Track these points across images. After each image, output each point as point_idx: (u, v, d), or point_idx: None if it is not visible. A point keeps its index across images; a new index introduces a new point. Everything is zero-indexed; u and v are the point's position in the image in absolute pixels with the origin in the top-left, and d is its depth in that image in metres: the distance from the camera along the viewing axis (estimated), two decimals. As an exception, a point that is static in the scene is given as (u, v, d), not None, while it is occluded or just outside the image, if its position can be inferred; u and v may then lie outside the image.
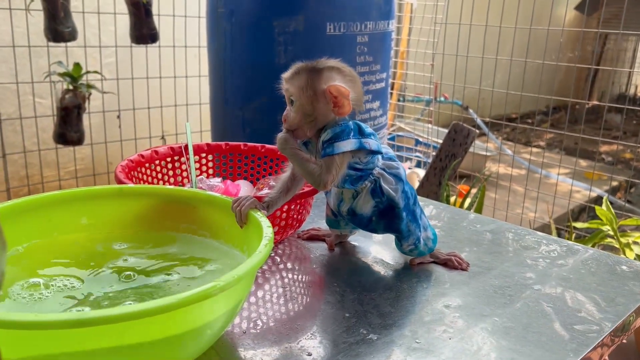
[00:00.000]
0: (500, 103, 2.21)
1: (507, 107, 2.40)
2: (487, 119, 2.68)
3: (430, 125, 3.39)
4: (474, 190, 2.26)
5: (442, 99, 3.91)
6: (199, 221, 0.65)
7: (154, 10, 1.96)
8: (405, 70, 2.86)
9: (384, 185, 0.67)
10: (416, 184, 2.32)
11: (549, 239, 0.83)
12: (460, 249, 0.78)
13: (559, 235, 2.25)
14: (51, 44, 1.76)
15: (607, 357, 0.63)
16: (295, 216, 0.77)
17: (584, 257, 0.77)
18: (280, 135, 0.66)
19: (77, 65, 1.81)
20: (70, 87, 1.83)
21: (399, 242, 0.71)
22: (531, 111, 5.34)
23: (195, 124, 2.29)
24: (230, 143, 0.93)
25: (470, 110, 3.75)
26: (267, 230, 0.54)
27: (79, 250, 0.62)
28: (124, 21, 1.92)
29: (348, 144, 0.65)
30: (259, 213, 0.59)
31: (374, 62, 1.76)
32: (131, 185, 0.67)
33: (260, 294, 0.66)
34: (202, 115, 2.22)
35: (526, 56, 1.93)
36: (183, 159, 0.89)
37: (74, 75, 1.81)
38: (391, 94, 2.95)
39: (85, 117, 1.94)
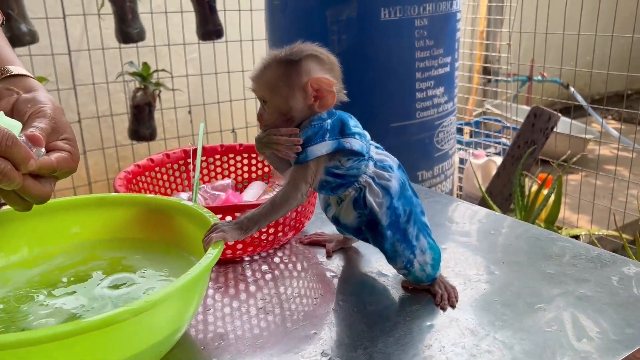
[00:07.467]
0: (605, 79, 1.96)
1: (615, 84, 2.13)
2: (592, 100, 2.43)
3: (524, 106, 3.16)
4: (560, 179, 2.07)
5: (540, 77, 3.63)
6: (177, 232, 0.64)
7: (220, 6, 1.99)
8: (496, 52, 2.69)
9: (368, 197, 0.60)
10: (493, 174, 2.18)
11: (579, 247, 0.73)
12: (470, 258, 0.71)
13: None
14: (136, 44, 1.85)
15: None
16: (289, 223, 0.74)
17: (613, 272, 0.67)
18: (256, 138, 0.61)
19: (145, 65, 1.89)
20: (141, 86, 1.92)
21: (389, 263, 0.64)
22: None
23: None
24: (244, 144, 0.92)
25: (572, 89, 3.44)
26: (204, 260, 0.51)
27: (58, 260, 0.63)
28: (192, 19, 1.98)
29: (323, 147, 0.57)
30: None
31: (436, 46, 1.66)
32: (112, 194, 0.68)
33: (235, 305, 0.64)
34: (271, 107, 2.24)
35: (613, 30, 1.72)
36: (195, 161, 0.89)
37: (143, 75, 1.89)
38: (471, 77, 2.79)
39: (158, 113, 2.03)
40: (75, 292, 0.57)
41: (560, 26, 1.97)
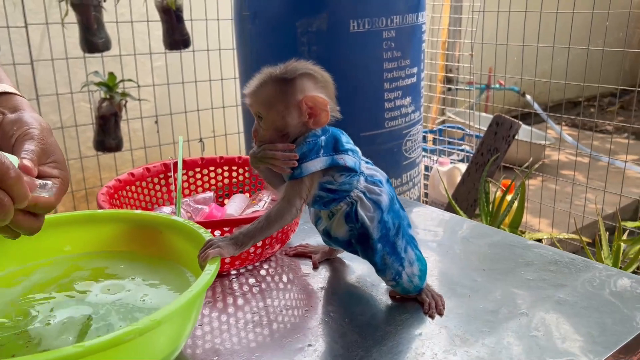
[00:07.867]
0: (559, 87, 2.04)
1: (568, 92, 2.22)
2: (547, 107, 2.53)
3: (484, 114, 3.25)
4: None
5: (497, 85, 3.74)
6: (165, 246, 0.64)
7: (186, 15, 1.98)
8: (457, 62, 2.76)
9: (360, 211, 0.61)
10: (457, 180, 2.23)
11: (554, 253, 0.76)
12: (452, 266, 0.74)
13: (612, 233, 2.09)
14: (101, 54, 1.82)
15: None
16: (276, 235, 0.75)
17: (587, 276, 0.70)
18: (251, 153, 0.62)
19: (111, 75, 1.86)
20: (107, 96, 1.89)
21: (378, 275, 0.65)
22: (599, 94, 5.02)
23: (233, 126, 2.31)
24: (225, 156, 0.92)
25: (528, 97, 3.56)
26: (204, 277, 0.51)
27: (37, 276, 0.62)
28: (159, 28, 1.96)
29: (317, 163, 0.59)
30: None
31: (403, 57, 1.70)
32: (100, 210, 0.68)
33: (224, 318, 0.64)
34: (239, 116, 2.23)
35: (569, 43, 1.80)
36: (177, 175, 0.89)
37: (109, 85, 1.86)
38: (432, 86, 2.85)
39: (123, 123, 2.00)
40: (71, 302, 0.56)
41: (519, 37, 2.04)
